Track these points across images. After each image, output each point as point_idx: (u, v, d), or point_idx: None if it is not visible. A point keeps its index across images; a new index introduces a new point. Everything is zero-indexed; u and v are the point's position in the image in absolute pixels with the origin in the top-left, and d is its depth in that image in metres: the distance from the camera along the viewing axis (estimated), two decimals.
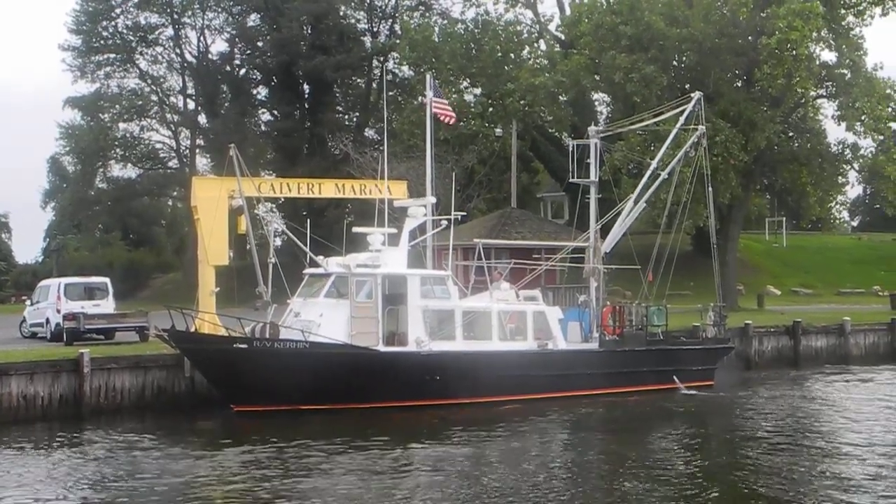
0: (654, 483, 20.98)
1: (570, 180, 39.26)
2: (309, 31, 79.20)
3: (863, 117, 52.42)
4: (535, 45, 68.31)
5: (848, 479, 21.06)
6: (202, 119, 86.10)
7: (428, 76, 40.53)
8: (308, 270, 32.62)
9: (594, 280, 36.02)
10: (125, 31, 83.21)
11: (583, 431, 29.01)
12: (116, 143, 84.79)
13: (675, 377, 35.23)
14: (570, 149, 38.23)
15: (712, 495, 20.44)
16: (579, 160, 37.48)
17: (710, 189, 39.01)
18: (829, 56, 55.67)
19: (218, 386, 30.16)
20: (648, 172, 38.64)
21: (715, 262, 39.27)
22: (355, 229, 34.17)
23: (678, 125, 38.83)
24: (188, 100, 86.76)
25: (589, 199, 37.23)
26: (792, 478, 21.24)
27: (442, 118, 37.55)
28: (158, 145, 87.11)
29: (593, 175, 37.20)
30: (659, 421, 30.54)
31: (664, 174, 38.26)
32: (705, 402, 33.74)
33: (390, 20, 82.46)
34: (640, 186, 38.22)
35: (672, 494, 20.03)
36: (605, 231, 37.60)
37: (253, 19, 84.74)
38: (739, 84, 56.10)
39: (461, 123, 51.31)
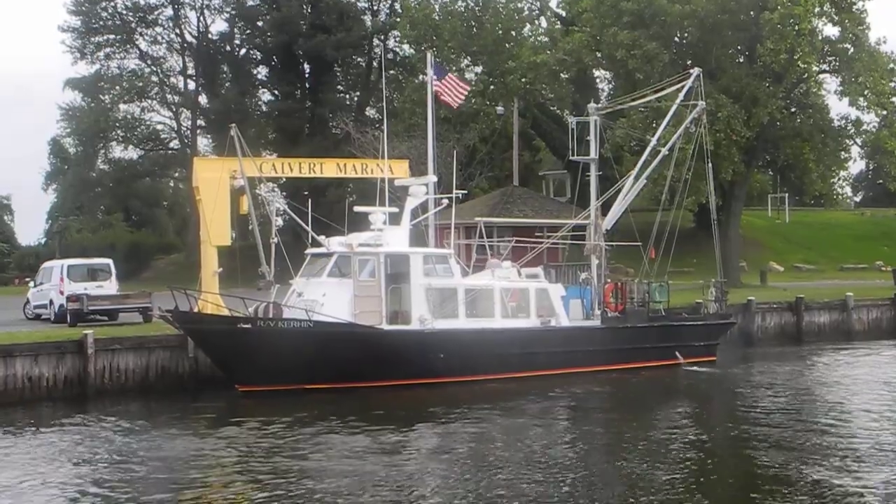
0: (656, 458, 21.03)
1: (570, 158, 39.24)
2: (309, 11, 78.91)
3: (865, 92, 52.22)
4: (536, 22, 68.02)
5: (851, 452, 21.09)
6: (203, 99, 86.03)
7: (429, 55, 40.44)
8: (310, 250, 32.62)
9: (595, 257, 36.02)
10: (124, 11, 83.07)
11: (586, 408, 29.11)
12: (117, 124, 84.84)
13: (677, 353, 35.31)
14: (570, 126, 38.16)
15: (715, 470, 20.53)
16: (579, 138, 37.42)
17: (710, 165, 38.95)
18: (831, 31, 55.46)
19: (222, 366, 30.20)
20: (648, 149, 38.59)
21: (716, 239, 39.27)
22: (357, 208, 34.16)
23: (678, 101, 38.75)
24: (188, 80, 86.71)
25: (590, 176, 37.22)
26: (794, 452, 21.27)
27: (444, 98, 37.42)
28: (159, 126, 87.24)
29: (593, 152, 37.15)
30: (661, 397, 30.66)
31: (664, 150, 38.20)
32: (707, 377, 33.83)
33: None
34: (640, 163, 38.19)
35: (675, 469, 20.09)
36: (606, 208, 37.59)
37: None
38: (741, 60, 55.88)
39: (454, 108, 51.22)
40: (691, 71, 38.79)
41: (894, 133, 52.99)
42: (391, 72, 76.11)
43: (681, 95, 38.56)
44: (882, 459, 20.40)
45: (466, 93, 40.80)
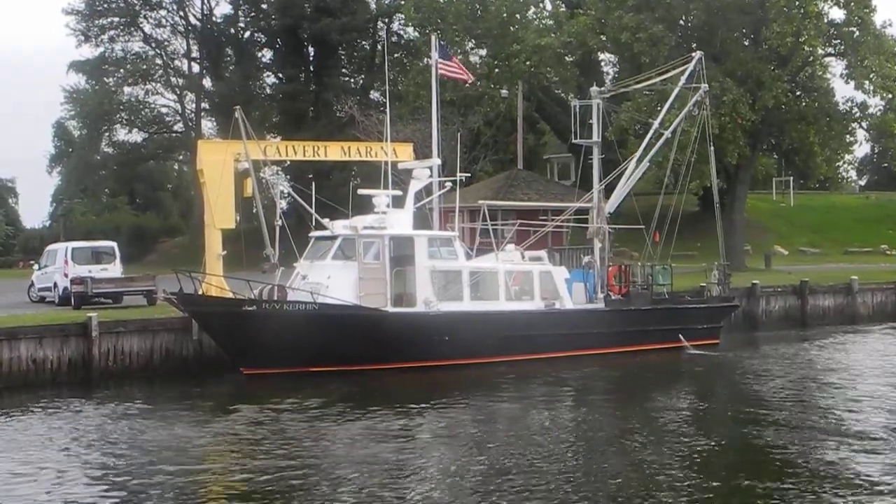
0: (659, 442, 21.06)
1: (573, 141, 39.19)
2: None
3: (871, 75, 52.15)
4: (541, 5, 67.93)
5: (855, 434, 21.09)
6: (207, 82, 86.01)
7: (433, 37, 40.36)
8: (314, 233, 32.61)
9: (598, 240, 36.00)
10: None
11: (590, 391, 29.09)
12: (121, 107, 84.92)
13: (681, 335, 35.34)
14: (573, 109, 38.11)
15: (717, 453, 20.55)
16: (582, 121, 37.36)
17: (713, 148, 38.85)
18: (837, 14, 55.36)
19: (227, 349, 30.24)
20: (651, 132, 38.52)
21: (718, 222, 39.20)
22: (361, 191, 34.15)
23: (679, 84, 38.66)
24: (193, 63, 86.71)
25: (593, 159, 37.20)
26: (797, 434, 21.26)
27: (455, 78, 37.46)
28: (163, 109, 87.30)
29: (596, 136, 37.10)
30: (665, 379, 30.68)
31: (667, 133, 38.14)
32: (711, 360, 33.84)
33: None
34: (642, 146, 38.13)
35: (676, 452, 20.11)
36: (610, 192, 37.55)
37: None
38: (747, 43, 55.73)
39: (466, 85, 51.22)
40: (693, 54, 38.66)
41: None
42: (395, 55, 76.03)
43: (682, 79, 38.45)
44: (887, 442, 20.39)
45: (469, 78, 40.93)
